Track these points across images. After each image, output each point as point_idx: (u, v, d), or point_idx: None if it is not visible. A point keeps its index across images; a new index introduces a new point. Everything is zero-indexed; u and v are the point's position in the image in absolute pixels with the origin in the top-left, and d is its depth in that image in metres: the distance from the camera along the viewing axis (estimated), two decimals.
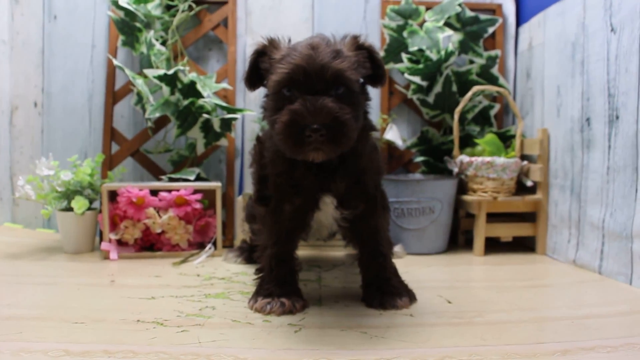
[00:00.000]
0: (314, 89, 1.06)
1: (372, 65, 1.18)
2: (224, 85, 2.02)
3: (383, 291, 1.27)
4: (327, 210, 1.24)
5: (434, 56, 1.97)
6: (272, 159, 1.23)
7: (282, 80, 1.09)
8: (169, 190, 1.84)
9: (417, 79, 2.01)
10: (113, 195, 1.83)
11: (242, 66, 2.17)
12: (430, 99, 2.06)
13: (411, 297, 1.29)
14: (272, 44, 1.18)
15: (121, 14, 1.99)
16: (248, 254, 1.72)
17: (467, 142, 2.05)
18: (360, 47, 1.17)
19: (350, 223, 1.28)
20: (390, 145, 2.11)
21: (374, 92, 2.17)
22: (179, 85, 1.89)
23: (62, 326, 1.10)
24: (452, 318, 1.18)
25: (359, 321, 1.15)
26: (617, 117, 1.48)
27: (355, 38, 1.18)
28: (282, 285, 1.25)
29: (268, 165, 1.24)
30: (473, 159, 1.87)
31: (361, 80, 1.18)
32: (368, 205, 1.27)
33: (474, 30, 2.08)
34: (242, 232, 1.84)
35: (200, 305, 1.26)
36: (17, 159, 2.20)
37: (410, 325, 1.13)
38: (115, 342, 1.01)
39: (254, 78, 1.22)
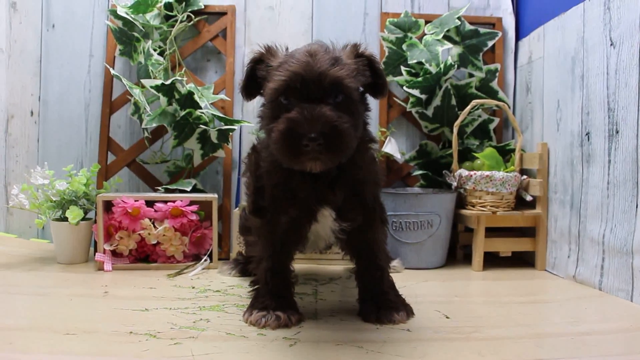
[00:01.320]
0: (312, 97, 1.04)
1: (372, 74, 1.17)
2: (222, 96, 2.02)
3: (380, 305, 1.24)
4: (325, 222, 1.22)
5: (433, 69, 1.97)
6: (269, 170, 1.20)
7: (279, 88, 1.07)
8: (165, 201, 1.82)
9: (416, 92, 2.00)
10: (108, 205, 1.82)
11: (240, 77, 2.15)
12: (429, 112, 2.05)
13: (408, 312, 1.26)
14: (270, 51, 1.16)
15: (119, 23, 1.99)
16: (243, 266, 1.70)
17: (466, 156, 2.04)
18: (360, 56, 1.15)
19: (348, 235, 1.26)
20: (388, 158, 2.10)
21: (372, 105, 2.16)
22: (177, 96, 1.88)
23: (53, 337, 1.08)
24: (449, 333, 1.16)
25: (355, 336, 1.13)
26: (617, 132, 1.47)
27: (355, 46, 1.16)
28: (277, 299, 1.22)
29: (264, 175, 1.22)
30: (472, 173, 1.86)
31: (361, 89, 1.16)
32: (366, 217, 1.25)
33: (474, 44, 2.08)
34: (238, 244, 1.82)
35: (195, 317, 1.24)
36: (12, 167, 2.19)
37: (407, 340, 1.11)
38: (106, 354, 0.99)
39: (251, 87, 1.20)
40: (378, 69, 1.17)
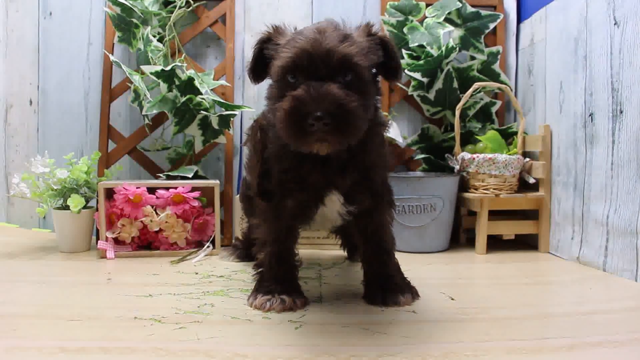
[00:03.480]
0: (320, 75, 1.00)
1: (385, 55, 1.12)
2: (222, 82, 2.00)
3: (385, 288, 1.24)
4: (332, 206, 1.20)
5: (434, 52, 1.95)
6: (278, 154, 1.16)
7: (285, 65, 1.03)
8: (167, 188, 1.81)
9: (417, 76, 1.99)
10: (110, 193, 1.81)
11: (240, 63, 2.14)
12: (431, 95, 2.04)
13: (414, 294, 1.26)
14: (277, 30, 1.12)
15: (118, 10, 1.97)
16: (241, 251, 1.70)
17: (468, 139, 2.03)
18: (372, 35, 1.10)
19: (355, 218, 1.24)
20: (390, 142, 2.09)
21: None
22: (177, 82, 1.87)
23: (57, 324, 1.08)
24: (455, 314, 1.15)
25: (361, 318, 1.13)
26: (621, 112, 1.46)
27: (368, 25, 1.12)
28: (282, 283, 1.22)
29: (272, 159, 1.18)
30: (475, 155, 1.85)
31: (373, 71, 1.11)
32: (374, 201, 1.23)
33: (475, 26, 2.06)
34: (240, 230, 1.81)
35: (199, 302, 1.23)
36: (12, 157, 2.18)
37: (413, 321, 1.11)
38: (111, 339, 0.99)
39: (259, 69, 1.15)
40: (392, 50, 1.12)
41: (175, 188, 1.80)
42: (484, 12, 2.07)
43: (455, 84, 2.02)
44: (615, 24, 1.48)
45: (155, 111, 1.88)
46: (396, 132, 2.03)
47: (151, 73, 1.84)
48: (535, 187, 1.89)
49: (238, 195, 1.94)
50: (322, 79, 1.00)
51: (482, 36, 2.07)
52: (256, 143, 1.26)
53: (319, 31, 1.03)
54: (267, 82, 1.16)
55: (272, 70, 1.08)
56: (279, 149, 1.15)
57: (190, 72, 1.87)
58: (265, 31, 1.14)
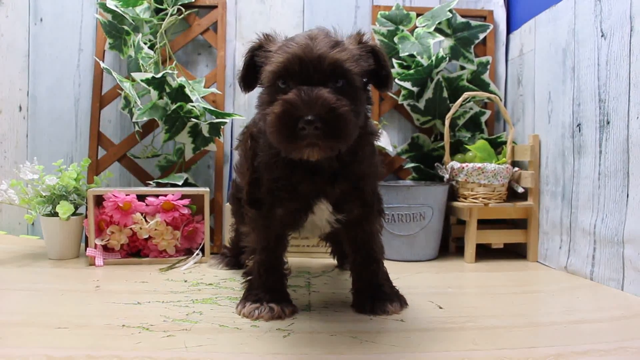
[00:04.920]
0: (311, 81, 0.99)
1: (376, 64, 1.11)
2: (213, 89, 2.00)
3: (374, 297, 1.24)
4: (321, 214, 1.20)
5: (424, 62, 1.97)
6: (268, 163, 1.16)
7: (276, 71, 1.02)
8: (157, 196, 1.81)
9: (407, 85, 2.00)
10: (99, 200, 1.80)
11: (231, 71, 2.15)
12: (421, 105, 2.05)
13: (402, 303, 1.26)
14: (268, 38, 1.12)
15: (109, 16, 1.97)
16: (230, 259, 1.70)
17: (457, 149, 2.04)
18: (363, 43, 1.11)
19: (344, 226, 1.24)
20: (381, 151, 2.10)
21: None
22: (167, 89, 1.87)
23: (44, 332, 1.07)
24: (443, 323, 1.16)
25: (349, 326, 1.13)
26: (608, 122, 1.47)
27: (359, 34, 1.12)
28: (271, 291, 1.22)
29: (262, 167, 1.18)
30: (464, 165, 1.86)
31: (364, 79, 1.11)
32: (364, 210, 1.23)
33: (465, 37, 2.08)
34: (229, 239, 1.81)
35: (187, 310, 1.23)
36: (1, 163, 2.17)
37: (402, 330, 1.11)
38: (99, 347, 0.98)
39: (250, 77, 1.14)
40: (382, 58, 1.12)
41: (165, 195, 1.80)
42: (474, 23, 2.09)
43: (445, 94, 2.03)
44: (602, 36, 1.50)
45: (145, 118, 1.87)
46: (386, 140, 2.03)
47: (142, 80, 1.84)
48: (524, 197, 1.90)
49: (228, 199, 1.95)
50: (313, 85, 0.99)
51: (472, 46, 2.09)
52: (247, 151, 1.26)
53: (310, 37, 1.04)
54: (258, 91, 1.16)
55: (263, 75, 1.07)
56: (270, 158, 1.15)
57: (181, 80, 1.87)
58: (256, 39, 1.14)
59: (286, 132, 0.97)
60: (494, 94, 2.05)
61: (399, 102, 2.09)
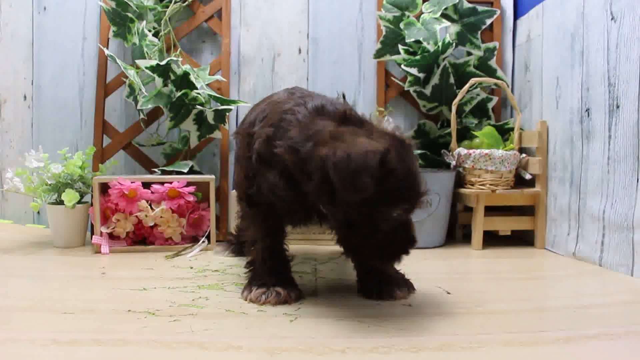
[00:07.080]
0: None
1: None
2: (218, 77, 1.99)
3: (381, 282, 1.23)
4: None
5: (431, 48, 1.95)
6: (274, 183, 1.12)
7: None
8: (162, 183, 1.80)
9: (414, 71, 1.98)
10: (104, 188, 1.80)
11: (236, 58, 2.13)
12: (428, 91, 2.03)
13: (410, 288, 1.25)
14: None
15: (113, 4, 1.96)
16: (235, 246, 1.70)
17: (464, 135, 2.02)
18: None
19: None
20: None
21: (369, 84, 2.15)
22: (172, 77, 1.86)
23: (50, 316, 1.07)
24: (451, 308, 1.15)
25: (356, 311, 1.12)
26: (618, 106, 1.45)
27: None
28: (276, 275, 1.21)
29: (257, 168, 1.15)
30: (471, 151, 1.85)
31: None
32: None
33: (472, 22, 2.05)
34: (235, 226, 1.81)
35: (193, 295, 1.23)
36: (6, 153, 2.16)
37: (409, 314, 1.10)
38: (104, 331, 0.98)
39: None
40: None
41: (171, 183, 1.79)
42: (480, 8, 2.06)
43: (452, 80, 2.01)
44: (612, 19, 1.48)
45: (150, 106, 1.87)
46: (392, 127, 2.01)
47: (146, 67, 1.83)
48: (531, 183, 1.89)
49: (233, 186, 1.94)
50: None
51: (479, 32, 2.06)
52: (243, 147, 1.25)
53: None
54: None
55: None
56: (274, 176, 1.12)
57: (186, 67, 1.86)
58: None
59: None
60: (501, 80, 2.02)
61: (405, 89, 2.07)
